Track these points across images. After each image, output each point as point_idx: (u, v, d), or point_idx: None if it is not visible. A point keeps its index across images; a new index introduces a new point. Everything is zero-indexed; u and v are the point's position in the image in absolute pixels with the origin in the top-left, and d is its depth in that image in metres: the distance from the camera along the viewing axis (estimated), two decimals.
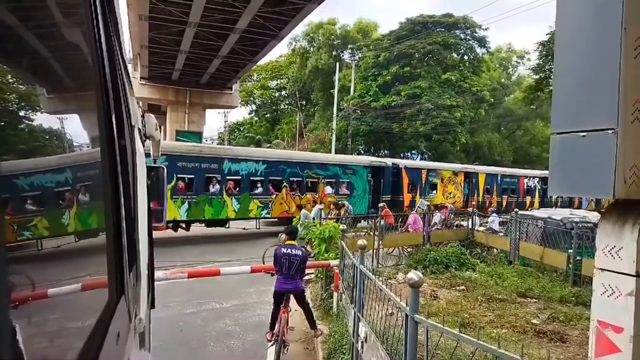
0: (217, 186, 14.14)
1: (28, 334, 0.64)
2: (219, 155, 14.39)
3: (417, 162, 24.32)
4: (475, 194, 22.98)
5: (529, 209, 20.18)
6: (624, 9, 1.72)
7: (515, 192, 25.17)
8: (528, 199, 25.74)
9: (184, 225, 13.98)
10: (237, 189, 14.58)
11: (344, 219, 11.88)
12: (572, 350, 5.54)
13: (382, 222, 11.38)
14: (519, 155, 44.52)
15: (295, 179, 16.00)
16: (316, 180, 16.59)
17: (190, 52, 23.25)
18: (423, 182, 20.72)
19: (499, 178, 24.48)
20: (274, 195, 15.47)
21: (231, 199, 14.38)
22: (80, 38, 0.98)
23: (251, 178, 14.90)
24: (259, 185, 15.13)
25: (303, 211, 12.29)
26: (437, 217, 12.98)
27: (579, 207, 23.25)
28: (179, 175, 13.24)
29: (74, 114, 0.96)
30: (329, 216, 12.34)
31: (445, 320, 2.85)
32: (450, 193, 22.04)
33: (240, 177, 14.65)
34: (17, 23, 0.63)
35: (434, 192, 21.34)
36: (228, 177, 14.35)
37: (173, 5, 17.86)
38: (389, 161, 20.24)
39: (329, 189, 17.00)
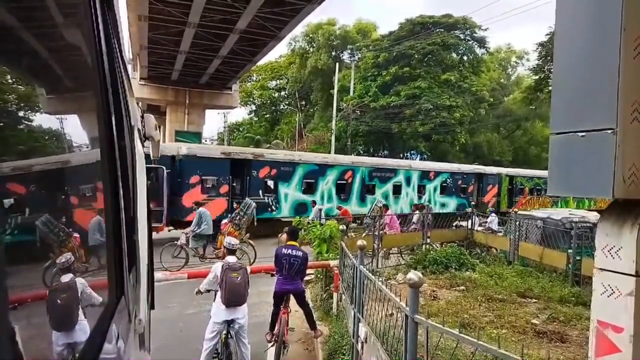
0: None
1: (28, 334, 0.64)
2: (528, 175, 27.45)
3: None
4: None
5: None
6: (623, 9, 1.72)
7: None
8: None
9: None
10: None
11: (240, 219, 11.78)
12: (572, 350, 5.54)
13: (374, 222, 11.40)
14: (518, 155, 44.53)
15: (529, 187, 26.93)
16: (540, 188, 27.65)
17: (190, 52, 23.21)
18: None
19: None
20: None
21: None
22: (80, 38, 0.98)
23: (519, 187, 26.85)
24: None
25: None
26: (415, 217, 13.02)
27: None
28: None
29: (73, 114, 0.96)
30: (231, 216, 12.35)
31: (445, 321, 2.85)
32: None
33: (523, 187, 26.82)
34: (17, 23, 0.63)
35: None
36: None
37: (172, 5, 17.82)
38: None
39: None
